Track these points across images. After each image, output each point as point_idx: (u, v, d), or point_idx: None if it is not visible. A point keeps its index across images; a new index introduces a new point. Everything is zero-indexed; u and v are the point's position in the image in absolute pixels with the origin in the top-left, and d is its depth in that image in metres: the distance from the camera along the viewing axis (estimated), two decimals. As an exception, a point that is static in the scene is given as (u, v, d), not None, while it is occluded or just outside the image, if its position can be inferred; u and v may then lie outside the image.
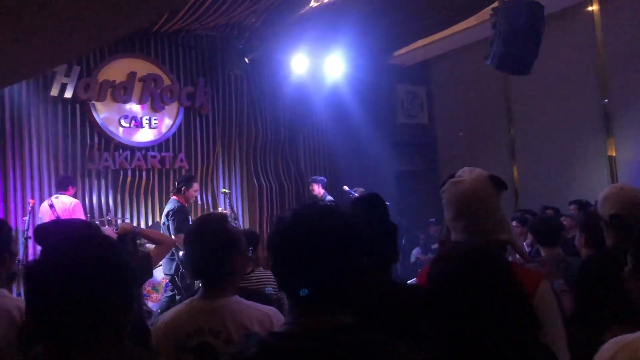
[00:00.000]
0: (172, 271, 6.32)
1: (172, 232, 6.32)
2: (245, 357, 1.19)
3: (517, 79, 8.10)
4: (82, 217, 6.87)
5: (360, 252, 1.25)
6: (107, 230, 2.88)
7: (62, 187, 7.16)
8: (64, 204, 6.92)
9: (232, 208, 8.07)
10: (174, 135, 8.83)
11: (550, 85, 9.20)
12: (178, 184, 6.57)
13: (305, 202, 1.33)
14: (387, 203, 8.21)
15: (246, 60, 8.68)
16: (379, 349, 1.16)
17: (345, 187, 8.60)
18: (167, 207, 6.55)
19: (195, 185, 6.61)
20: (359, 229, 1.27)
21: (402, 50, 10.36)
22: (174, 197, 6.56)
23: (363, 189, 8.82)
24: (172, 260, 6.29)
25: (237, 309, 1.90)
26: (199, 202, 8.83)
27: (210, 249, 1.93)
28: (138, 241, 4.51)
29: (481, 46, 8.20)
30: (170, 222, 6.35)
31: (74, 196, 7.19)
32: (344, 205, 1.47)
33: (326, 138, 10.38)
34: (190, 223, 6.16)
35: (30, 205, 7.26)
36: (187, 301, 2.00)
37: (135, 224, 8.38)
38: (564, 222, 6.65)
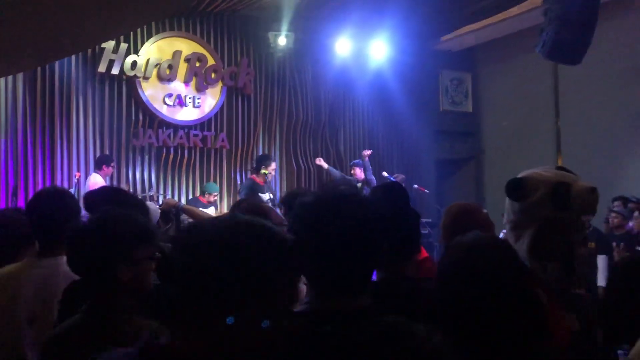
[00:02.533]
0: None
1: None
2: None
3: (566, 68, 7.92)
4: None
5: (379, 237, 1.26)
6: (151, 205, 2.96)
7: (96, 166, 7.46)
8: (88, 184, 7.23)
9: (271, 189, 8.16)
10: (216, 114, 8.98)
11: (601, 75, 8.97)
12: (256, 164, 6.72)
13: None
14: (427, 191, 8.24)
15: (290, 42, 8.73)
16: (399, 331, 1.16)
17: (385, 173, 8.61)
18: (243, 183, 6.82)
19: (273, 164, 6.73)
20: (379, 214, 1.28)
21: (449, 36, 10.23)
22: (250, 177, 6.74)
23: (403, 176, 8.83)
24: None
25: None
26: (238, 182, 8.97)
27: None
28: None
29: (530, 34, 8.04)
30: (240, 196, 6.53)
31: (106, 176, 7.40)
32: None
33: (367, 122, 10.37)
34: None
35: (77, 178, 7.58)
36: None
37: (175, 198, 8.58)
38: (614, 220, 6.54)
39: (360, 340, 1.14)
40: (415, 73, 10.31)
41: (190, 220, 5.55)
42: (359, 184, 7.99)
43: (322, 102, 9.82)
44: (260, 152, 9.34)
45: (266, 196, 6.59)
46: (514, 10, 8.69)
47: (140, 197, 7.91)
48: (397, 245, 1.73)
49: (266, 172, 7.79)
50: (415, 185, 8.80)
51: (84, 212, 2.29)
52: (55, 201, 2.28)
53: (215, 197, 7.94)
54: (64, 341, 1.52)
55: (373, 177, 8.14)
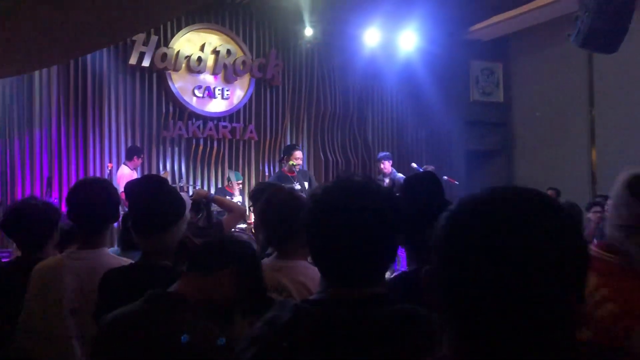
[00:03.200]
0: None
1: None
2: (279, 323, 1.20)
3: (601, 57, 7.75)
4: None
5: (395, 227, 1.24)
6: (183, 195, 3.02)
7: (126, 156, 7.59)
8: (118, 175, 7.36)
9: (305, 179, 8.16)
10: (244, 106, 9.05)
11: (637, 64, 8.74)
12: (282, 156, 6.80)
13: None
14: (456, 182, 8.16)
15: (318, 33, 8.71)
16: (412, 319, 1.15)
17: (414, 165, 8.54)
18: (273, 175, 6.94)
19: (297, 153, 6.73)
20: (395, 204, 1.27)
21: (480, 25, 10.05)
22: (280, 170, 6.85)
23: (433, 167, 8.75)
24: None
25: (305, 271, 1.98)
26: (267, 173, 9.02)
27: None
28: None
29: (563, 22, 7.87)
30: None
31: (135, 167, 7.50)
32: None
33: (395, 113, 10.32)
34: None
35: (109, 168, 7.73)
36: (266, 259, 2.08)
37: (205, 189, 8.69)
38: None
39: (376, 325, 1.13)
40: (445, 63, 10.22)
41: (220, 210, 5.67)
42: (387, 180, 7.95)
43: (350, 93, 9.79)
44: (288, 143, 9.33)
45: (294, 187, 6.60)
46: (547, -2, 8.50)
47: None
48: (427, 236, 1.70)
49: (293, 162, 7.82)
50: (445, 177, 8.63)
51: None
52: (95, 193, 2.26)
53: (240, 185, 7.98)
54: (125, 326, 1.53)
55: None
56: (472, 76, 11.08)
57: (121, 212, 7.67)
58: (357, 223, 1.19)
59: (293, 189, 2.44)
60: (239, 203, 7.25)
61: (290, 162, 6.77)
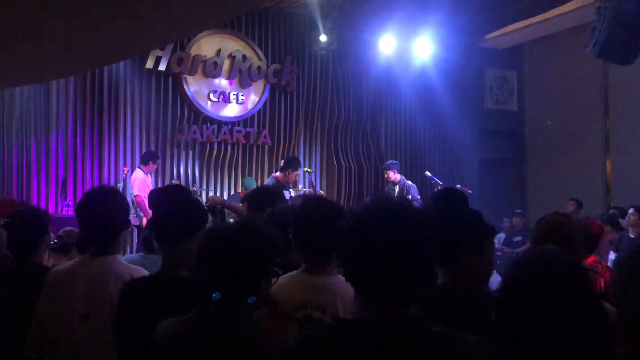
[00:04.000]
0: None
1: None
2: (315, 342, 1.22)
3: (616, 67, 7.71)
4: (138, 192, 7.17)
5: (430, 249, 1.27)
6: None
7: (142, 161, 7.60)
8: (132, 179, 7.41)
9: (313, 187, 8.19)
10: (259, 111, 9.07)
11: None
12: (284, 164, 6.72)
13: (378, 195, 1.37)
14: (470, 191, 8.14)
15: (333, 40, 8.74)
16: (448, 340, 1.18)
17: (427, 173, 8.53)
18: (266, 181, 6.85)
19: (298, 171, 6.76)
20: (431, 226, 1.29)
21: (495, 33, 10.06)
22: (274, 175, 6.76)
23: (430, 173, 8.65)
24: None
25: (346, 288, 1.96)
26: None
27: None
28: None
29: (579, 32, 7.85)
30: None
31: (149, 172, 7.55)
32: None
33: (409, 120, 10.29)
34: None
35: (125, 172, 7.77)
36: (291, 274, 2.05)
37: (218, 194, 8.72)
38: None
39: (409, 347, 1.16)
40: (460, 71, 10.22)
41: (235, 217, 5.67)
42: (396, 188, 7.93)
43: (364, 100, 9.78)
44: (302, 149, 9.45)
45: (287, 194, 6.57)
46: (564, 7, 8.48)
47: None
48: (452, 250, 1.75)
49: (309, 170, 7.79)
50: (458, 185, 8.58)
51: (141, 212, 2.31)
52: (105, 202, 2.28)
53: None
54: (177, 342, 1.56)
55: (419, 197, 7.92)
56: (487, 84, 11.08)
57: (132, 217, 7.67)
58: (399, 246, 1.22)
59: (332, 201, 2.39)
60: None
61: (307, 169, 6.66)
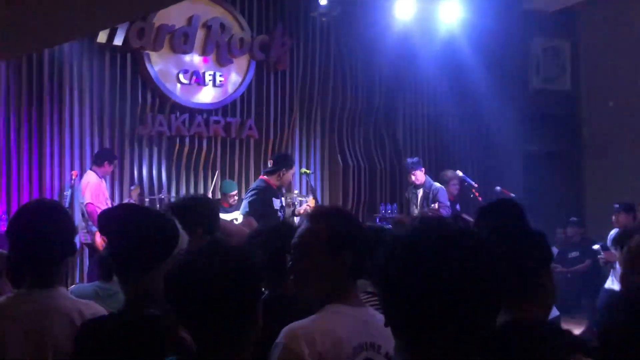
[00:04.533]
0: None
1: (241, 209, 6.58)
2: None
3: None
4: (91, 200, 7.16)
5: (497, 285, 1.32)
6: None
7: (95, 162, 7.56)
8: (82, 183, 7.34)
9: (313, 192, 8.11)
10: (242, 96, 9.02)
11: None
12: (275, 164, 6.75)
13: (426, 218, 1.40)
14: (512, 195, 8.04)
15: (336, 4, 8.66)
16: None
17: (459, 172, 8.51)
18: (253, 184, 6.92)
19: (293, 170, 6.84)
20: (494, 259, 1.33)
21: (543, -8, 10.07)
22: (262, 178, 6.78)
23: (453, 175, 8.61)
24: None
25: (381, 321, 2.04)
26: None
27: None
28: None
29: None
30: (246, 198, 6.57)
31: (104, 175, 7.52)
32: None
33: (434, 106, 10.29)
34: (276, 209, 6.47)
35: (73, 177, 7.69)
36: (329, 308, 2.09)
37: None
38: None
39: None
40: (497, 41, 10.20)
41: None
42: (419, 192, 7.97)
43: (376, 81, 9.77)
44: (297, 144, 9.38)
45: (278, 202, 6.63)
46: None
47: (147, 200, 8.01)
48: (517, 281, 1.89)
49: (307, 171, 7.73)
50: (498, 188, 8.69)
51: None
52: (45, 220, 2.28)
53: (235, 197, 8.01)
54: None
55: (448, 205, 7.96)
56: (532, 58, 11.06)
57: (82, 233, 7.53)
58: (457, 284, 1.27)
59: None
60: (235, 221, 7.22)
61: (305, 170, 6.63)
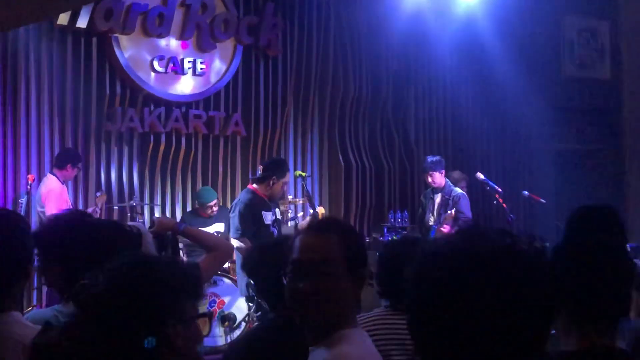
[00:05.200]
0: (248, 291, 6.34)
1: (231, 231, 6.58)
2: None
3: None
4: (54, 211, 6.92)
5: (551, 311, 1.33)
6: (139, 227, 3.09)
7: (56, 164, 7.53)
8: (41, 190, 7.31)
9: (309, 198, 8.04)
10: (227, 86, 9.01)
11: None
12: (265, 170, 6.72)
13: (466, 229, 1.39)
14: (542, 200, 8.00)
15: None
16: None
17: (480, 175, 8.44)
18: (238, 198, 6.84)
19: (286, 178, 6.79)
20: (553, 279, 1.35)
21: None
22: (250, 187, 6.75)
23: (461, 176, 8.62)
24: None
25: None
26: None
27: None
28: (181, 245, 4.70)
29: None
30: (233, 217, 6.55)
31: (66, 179, 7.52)
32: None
33: (450, 97, 10.29)
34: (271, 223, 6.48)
35: (29, 182, 7.62)
36: (355, 332, 2.13)
37: (169, 211, 8.70)
38: None
39: None
40: (525, 21, 10.22)
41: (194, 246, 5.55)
42: (437, 198, 7.96)
43: (383, 68, 9.77)
44: (292, 142, 9.36)
45: (270, 215, 6.62)
46: None
47: (116, 208, 7.99)
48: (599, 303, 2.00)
49: (303, 174, 7.67)
50: (526, 193, 8.75)
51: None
52: None
53: (215, 207, 7.97)
54: None
55: (470, 215, 7.94)
56: (565, 41, 11.10)
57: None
58: (504, 312, 1.26)
59: None
60: (217, 233, 7.21)
61: (301, 173, 6.61)
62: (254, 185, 6.68)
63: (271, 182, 6.55)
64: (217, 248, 3.45)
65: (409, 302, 1.36)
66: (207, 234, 4.04)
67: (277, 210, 6.85)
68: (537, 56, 10.54)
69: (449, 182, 8.07)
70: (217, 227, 7.87)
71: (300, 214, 8.51)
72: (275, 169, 6.66)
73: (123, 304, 1.64)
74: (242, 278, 6.45)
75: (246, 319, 7.05)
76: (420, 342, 1.36)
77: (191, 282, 1.78)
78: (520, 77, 10.11)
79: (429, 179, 8.01)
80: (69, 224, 2.44)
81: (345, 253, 2.12)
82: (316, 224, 2.30)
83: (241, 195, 6.82)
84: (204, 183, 8.78)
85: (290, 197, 8.69)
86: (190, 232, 3.63)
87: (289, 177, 6.89)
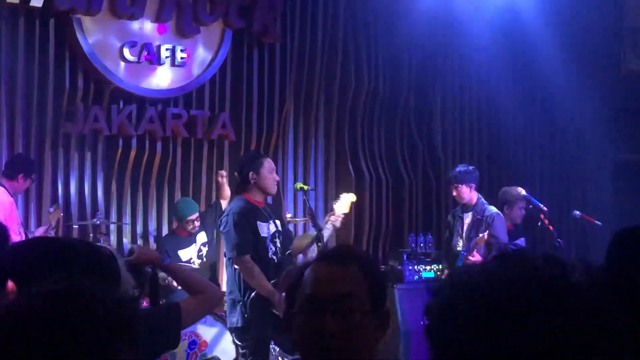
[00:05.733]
0: (240, 323, 6.31)
1: (227, 252, 6.41)
2: None
3: None
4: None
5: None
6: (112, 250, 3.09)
7: (5, 174, 7.40)
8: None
9: (311, 215, 7.74)
10: (213, 79, 8.98)
11: None
12: (240, 173, 6.56)
13: (504, 256, 1.38)
14: (598, 223, 7.72)
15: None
16: None
17: (521, 190, 8.27)
18: (228, 209, 6.76)
19: (267, 164, 6.54)
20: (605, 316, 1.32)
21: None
22: (243, 195, 6.55)
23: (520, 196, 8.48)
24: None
25: None
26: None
27: None
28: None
29: None
30: (227, 233, 6.40)
31: (17, 192, 7.43)
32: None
33: (486, 97, 10.35)
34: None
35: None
36: None
37: (140, 231, 8.61)
38: None
39: None
40: (578, 7, 10.14)
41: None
42: (467, 217, 7.81)
43: (404, 61, 9.82)
44: (291, 149, 9.35)
45: (267, 227, 6.46)
46: None
47: (74, 226, 7.87)
48: None
49: (305, 186, 7.45)
50: (577, 213, 8.74)
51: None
52: None
53: (197, 222, 7.84)
54: None
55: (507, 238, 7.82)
56: (626, 31, 11.14)
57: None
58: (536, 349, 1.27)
59: None
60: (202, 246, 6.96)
61: (302, 186, 6.94)
62: (245, 194, 6.48)
63: (252, 181, 6.33)
64: (205, 293, 3.49)
65: (432, 341, 1.38)
66: (194, 276, 3.99)
67: (277, 221, 6.65)
68: (592, 48, 10.50)
69: (482, 199, 7.87)
70: (200, 239, 7.92)
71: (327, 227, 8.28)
72: (245, 164, 6.52)
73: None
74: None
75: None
76: None
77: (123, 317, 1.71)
78: (571, 73, 10.19)
79: (454, 193, 7.85)
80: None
81: (369, 286, 2.18)
82: (332, 253, 2.33)
83: (232, 205, 6.63)
84: (184, 196, 8.67)
85: (289, 215, 8.54)
86: (175, 269, 3.77)
87: (272, 163, 6.64)
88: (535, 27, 9.93)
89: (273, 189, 6.62)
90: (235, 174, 6.78)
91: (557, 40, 9.97)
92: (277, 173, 7.99)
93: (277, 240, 6.52)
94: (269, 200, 7.94)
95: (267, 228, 6.45)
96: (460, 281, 1.37)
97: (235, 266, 6.29)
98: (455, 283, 1.38)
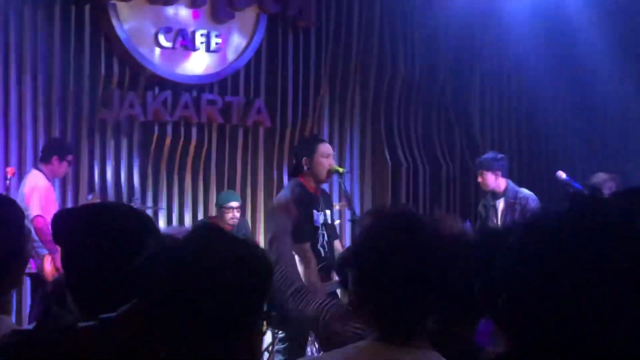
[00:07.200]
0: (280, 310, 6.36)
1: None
2: None
3: None
4: (39, 212, 7.15)
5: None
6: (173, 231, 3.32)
7: (42, 157, 7.57)
8: (24, 188, 7.34)
9: (348, 201, 7.96)
10: (248, 65, 9.06)
11: None
12: (296, 157, 6.66)
13: (579, 199, 1.38)
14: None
15: None
16: None
17: (561, 174, 8.28)
18: (281, 192, 6.86)
19: (322, 149, 6.54)
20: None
21: None
22: (299, 179, 6.57)
23: (607, 177, 8.46)
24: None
25: None
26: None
27: None
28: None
29: None
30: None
31: (54, 176, 7.58)
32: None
33: (525, 83, 10.29)
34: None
35: (8, 176, 7.65)
36: (359, 345, 2.18)
37: (176, 217, 8.74)
38: None
39: None
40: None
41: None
42: (500, 203, 7.82)
43: (440, 48, 9.82)
44: (326, 134, 9.34)
45: (320, 217, 6.48)
46: None
47: None
48: None
49: (340, 169, 7.54)
50: (562, 175, 8.53)
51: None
52: None
53: (235, 214, 7.88)
54: None
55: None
56: None
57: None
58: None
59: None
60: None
61: (338, 169, 6.63)
62: (301, 178, 6.51)
63: (305, 167, 6.38)
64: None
65: (502, 285, 1.37)
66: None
67: (327, 212, 6.65)
68: (636, 32, 10.34)
69: (512, 184, 7.90)
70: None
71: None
72: (300, 148, 6.66)
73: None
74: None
75: (269, 348, 7.00)
76: (515, 329, 1.36)
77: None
78: (612, 57, 10.03)
79: (479, 179, 7.89)
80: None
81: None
82: (377, 216, 2.34)
83: (285, 189, 6.72)
84: (219, 182, 8.85)
85: (337, 205, 8.49)
86: None
87: (328, 148, 6.61)
88: (576, 10, 9.78)
89: (322, 176, 6.52)
90: (294, 158, 6.79)
91: (598, 25, 9.82)
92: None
93: (325, 232, 6.52)
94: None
95: (320, 217, 6.49)
96: (536, 223, 1.40)
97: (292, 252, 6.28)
98: (527, 227, 1.40)
